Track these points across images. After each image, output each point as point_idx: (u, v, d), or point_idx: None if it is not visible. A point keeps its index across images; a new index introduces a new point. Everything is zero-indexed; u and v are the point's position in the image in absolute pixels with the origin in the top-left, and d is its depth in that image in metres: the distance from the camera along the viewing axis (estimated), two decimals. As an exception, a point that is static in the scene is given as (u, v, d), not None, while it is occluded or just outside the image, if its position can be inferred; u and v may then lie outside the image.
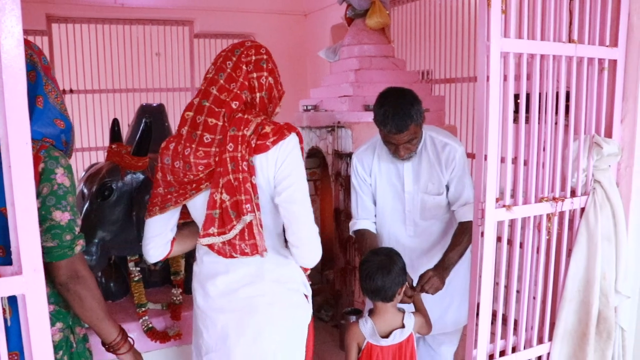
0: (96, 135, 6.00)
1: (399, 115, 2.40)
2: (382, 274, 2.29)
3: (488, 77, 2.02)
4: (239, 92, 1.90)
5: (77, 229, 1.74)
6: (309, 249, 1.92)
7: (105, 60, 6.02)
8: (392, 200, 2.74)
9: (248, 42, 2.00)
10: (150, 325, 2.54)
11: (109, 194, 2.40)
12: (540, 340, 2.47)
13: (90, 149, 6.09)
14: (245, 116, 1.86)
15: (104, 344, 1.93)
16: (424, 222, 2.72)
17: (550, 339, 2.46)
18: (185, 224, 2.15)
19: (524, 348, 2.42)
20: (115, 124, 2.55)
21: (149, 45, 6.17)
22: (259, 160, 1.85)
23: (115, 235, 2.42)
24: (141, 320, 2.54)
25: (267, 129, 1.84)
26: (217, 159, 1.86)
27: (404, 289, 2.37)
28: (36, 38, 5.61)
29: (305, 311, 2.08)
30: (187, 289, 2.71)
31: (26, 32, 5.36)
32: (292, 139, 1.87)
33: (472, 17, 4.41)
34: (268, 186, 1.89)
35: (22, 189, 1.20)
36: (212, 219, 1.87)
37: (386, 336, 2.35)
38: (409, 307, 2.49)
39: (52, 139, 1.76)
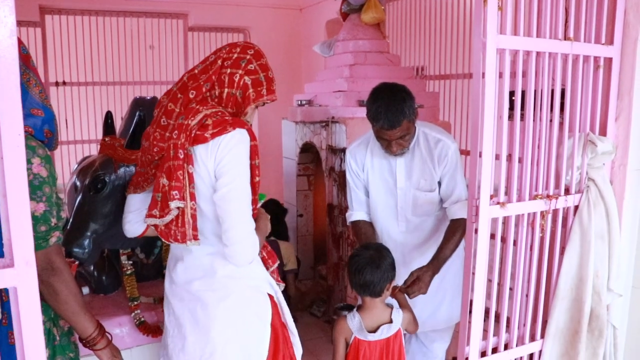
0: (89, 128, 5.98)
1: (392, 111, 2.40)
2: (371, 268, 2.29)
3: (483, 74, 2.01)
4: (202, 83, 1.93)
5: (54, 221, 1.73)
6: (239, 248, 1.88)
7: (98, 53, 5.99)
8: (384, 195, 2.75)
9: (240, 42, 2.04)
10: (142, 319, 2.53)
11: (101, 186, 2.39)
12: (532, 338, 2.47)
13: (83, 141, 6.07)
14: (197, 106, 1.89)
15: (80, 339, 1.92)
16: (416, 219, 2.73)
17: (542, 336, 2.46)
18: None
19: (516, 345, 2.43)
20: (108, 117, 2.53)
21: (142, 38, 6.14)
22: (199, 150, 1.86)
23: (108, 228, 2.41)
24: (133, 314, 2.53)
25: (209, 121, 1.85)
26: (167, 144, 1.90)
27: (391, 284, 2.37)
28: (29, 29, 5.58)
29: (262, 309, 2.04)
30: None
31: (19, 23, 5.36)
32: (234, 136, 1.84)
33: (467, 14, 4.41)
34: (209, 179, 1.89)
35: (14, 181, 1.19)
36: (155, 201, 1.92)
37: (373, 331, 2.35)
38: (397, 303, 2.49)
39: (32, 128, 1.75)
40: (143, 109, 2.91)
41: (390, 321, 2.37)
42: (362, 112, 3.66)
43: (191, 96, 1.93)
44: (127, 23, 6.11)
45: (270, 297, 2.07)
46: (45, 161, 1.71)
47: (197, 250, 1.98)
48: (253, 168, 1.91)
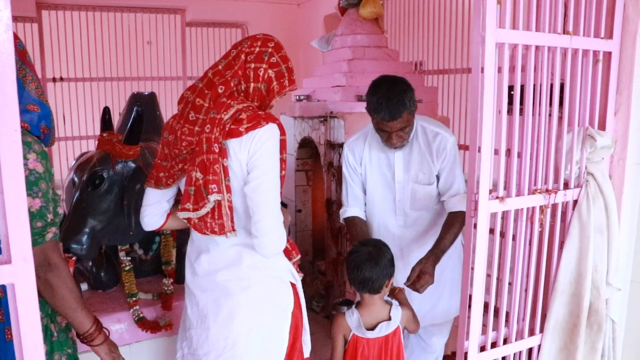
0: (87, 124, 5.97)
1: (393, 103, 2.40)
2: (370, 265, 2.28)
3: (482, 68, 2.01)
4: (229, 78, 1.96)
5: (50, 216, 1.73)
6: (268, 240, 1.93)
7: (96, 48, 5.97)
8: (382, 189, 2.74)
9: (260, 35, 2.06)
10: (141, 315, 2.53)
11: (99, 182, 2.38)
12: (531, 332, 2.47)
13: (81, 137, 6.05)
14: (228, 101, 1.92)
15: (77, 335, 1.92)
16: (414, 212, 2.72)
17: (541, 330, 2.46)
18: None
19: (515, 340, 2.43)
20: (106, 113, 2.52)
21: (140, 33, 6.12)
22: (232, 144, 1.90)
23: (106, 225, 2.41)
24: (132, 310, 2.53)
25: (244, 115, 1.89)
26: (197, 138, 1.93)
27: (390, 281, 2.36)
28: (26, 25, 5.56)
29: (285, 299, 2.09)
30: (179, 278, 2.70)
31: (16, 19, 5.35)
32: (267, 130, 1.89)
33: (466, 8, 4.40)
34: (241, 172, 1.93)
35: (11, 177, 1.18)
36: (188, 195, 1.94)
37: (372, 328, 2.34)
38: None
39: (28, 124, 1.75)
40: (141, 104, 2.91)
41: (389, 318, 2.36)
42: (361, 106, 3.65)
43: (220, 91, 1.95)
44: (125, 18, 6.09)
45: (293, 285, 2.12)
46: (41, 157, 1.70)
47: (224, 241, 2.02)
48: (280, 162, 1.96)
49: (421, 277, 2.40)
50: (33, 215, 1.67)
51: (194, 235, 2.13)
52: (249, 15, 6.50)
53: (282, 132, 1.95)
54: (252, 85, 1.98)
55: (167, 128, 2.06)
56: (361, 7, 4.15)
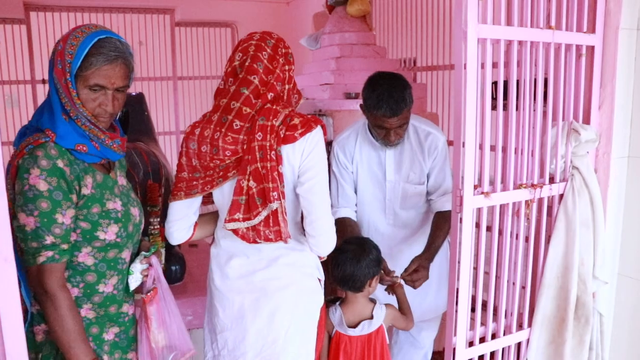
0: (77, 125, 5.93)
1: (394, 99, 2.39)
2: (352, 263, 2.28)
3: (465, 64, 2.01)
4: (274, 83, 1.99)
5: (50, 239, 1.60)
6: (325, 238, 2.02)
7: (85, 50, 5.93)
8: (372, 188, 2.73)
9: (274, 34, 2.09)
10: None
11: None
12: (519, 327, 2.49)
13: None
14: (274, 107, 1.94)
15: None
16: (404, 212, 2.72)
17: (529, 325, 2.48)
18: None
19: (504, 334, 2.44)
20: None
21: (129, 34, 6.10)
22: (286, 150, 1.94)
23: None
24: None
25: (296, 120, 1.93)
26: (244, 147, 1.93)
27: (375, 280, 2.35)
28: (14, 27, 5.54)
29: (318, 295, 2.17)
30: (172, 279, 2.71)
31: (4, 20, 5.34)
32: (318, 132, 1.96)
33: (453, 4, 4.41)
34: (292, 176, 1.98)
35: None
36: (238, 205, 1.95)
37: (354, 326, 2.35)
38: (387, 299, 2.48)
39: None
40: (127, 105, 2.89)
41: (372, 317, 2.36)
42: (349, 104, 3.65)
43: (269, 98, 1.97)
44: (114, 19, 6.07)
45: (320, 281, 2.20)
46: (48, 174, 1.60)
47: (267, 246, 2.05)
48: None
49: (418, 271, 2.40)
50: (26, 235, 1.58)
51: (223, 241, 2.13)
52: (238, 15, 6.49)
53: (325, 132, 2.01)
54: (287, 87, 2.04)
55: (193, 139, 2.00)
56: (349, 5, 4.14)
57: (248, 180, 1.92)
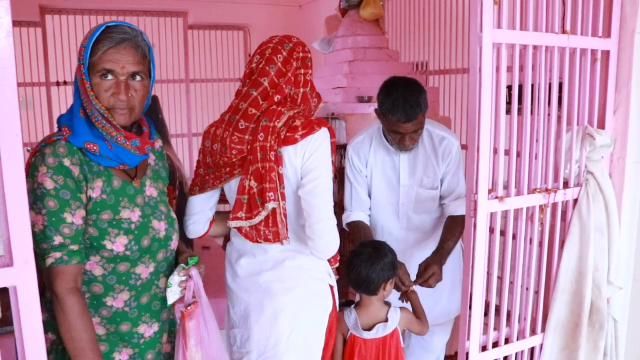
0: (90, 127, 5.96)
1: (409, 104, 2.39)
2: (367, 265, 2.28)
3: (480, 69, 2.02)
4: (284, 85, 2.00)
5: (58, 240, 1.53)
6: (324, 242, 2.00)
7: (99, 52, 5.97)
8: (386, 192, 2.73)
9: (294, 38, 2.09)
10: None
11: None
12: (533, 332, 2.48)
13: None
14: (279, 108, 1.95)
15: None
16: (417, 216, 2.72)
17: (543, 330, 2.47)
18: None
19: (517, 339, 2.43)
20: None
21: (143, 37, 6.13)
22: (287, 151, 1.94)
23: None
24: None
25: (298, 122, 1.93)
26: (249, 146, 1.96)
27: (390, 284, 2.34)
28: (29, 30, 5.58)
29: (325, 300, 2.16)
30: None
31: (20, 23, 5.38)
32: (321, 134, 1.95)
33: (466, 8, 4.40)
34: (295, 177, 1.98)
35: (12, 180, 1.20)
36: (240, 203, 1.98)
37: (369, 329, 2.35)
38: (401, 304, 2.48)
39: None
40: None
41: (387, 320, 2.37)
42: (362, 108, 3.66)
43: (276, 100, 1.99)
44: (127, 22, 6.09)
45: (331, 287, 2.18)
46: (55, 172, 1.54)
47: (272, 247, 2.06)
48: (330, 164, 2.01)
49: (428, 270, 2.40)
50: (36, 234, 1.51)
51: (234, 239, 2.18)
52: (250, 18, 6.50)
53: (332, 135, 2.01)
54: (301, 90, 2.05)
55: (208, 137, 2.08)
56: (362, 8, 4.15)
57: (249, 180, 1.95)
